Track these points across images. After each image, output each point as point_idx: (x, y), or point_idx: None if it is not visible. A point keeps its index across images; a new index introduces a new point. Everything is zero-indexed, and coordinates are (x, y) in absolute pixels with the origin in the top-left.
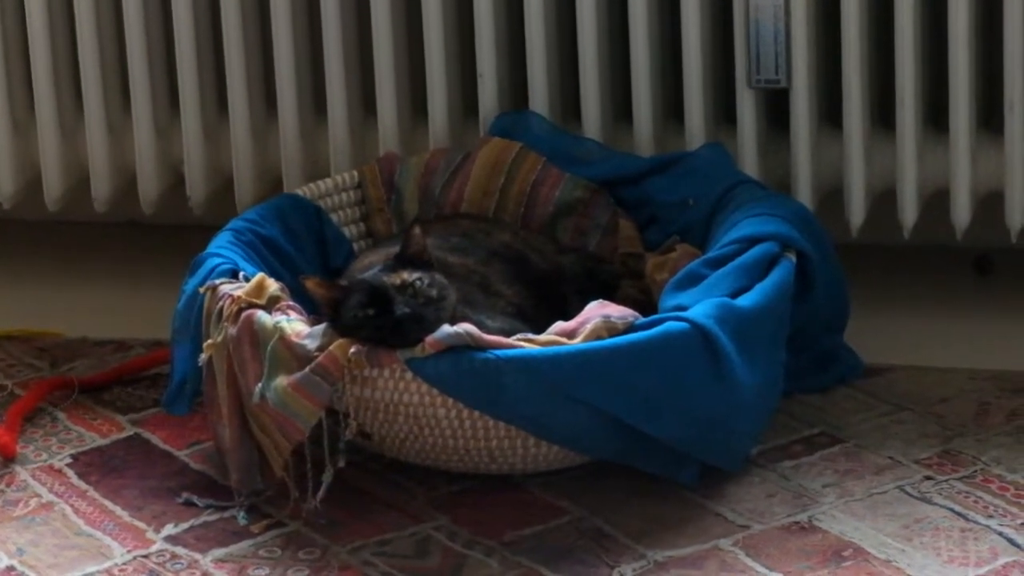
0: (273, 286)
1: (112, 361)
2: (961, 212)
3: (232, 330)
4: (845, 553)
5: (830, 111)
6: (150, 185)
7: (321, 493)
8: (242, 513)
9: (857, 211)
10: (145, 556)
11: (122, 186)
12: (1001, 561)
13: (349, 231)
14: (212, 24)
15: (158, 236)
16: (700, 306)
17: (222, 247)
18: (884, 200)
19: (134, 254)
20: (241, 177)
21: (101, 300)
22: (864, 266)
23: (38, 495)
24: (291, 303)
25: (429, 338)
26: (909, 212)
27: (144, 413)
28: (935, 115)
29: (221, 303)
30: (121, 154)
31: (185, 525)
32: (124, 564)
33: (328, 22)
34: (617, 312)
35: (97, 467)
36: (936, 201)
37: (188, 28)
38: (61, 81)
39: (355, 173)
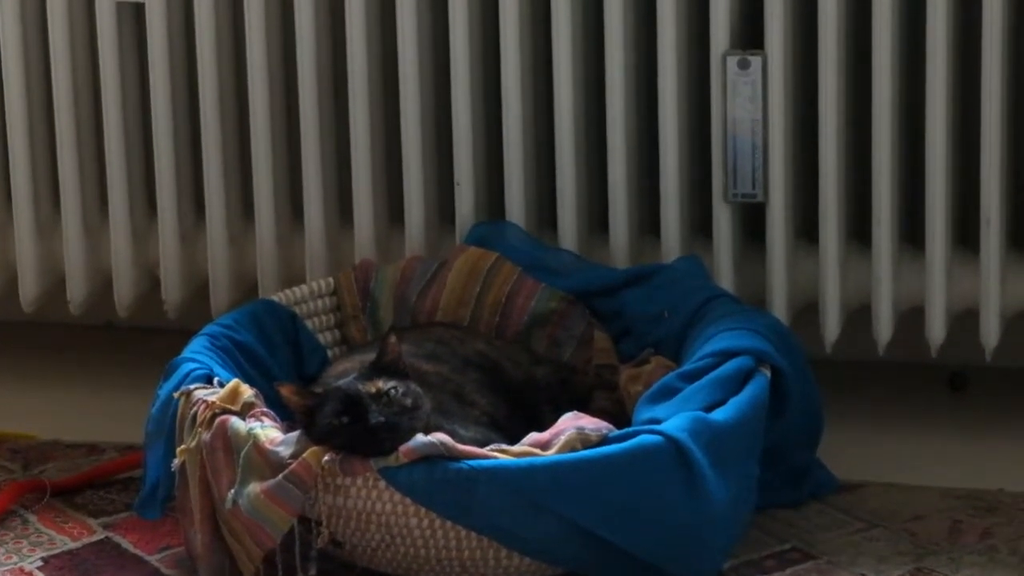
0: (247, 392)
1: (84, 464)
2: (936, 329)
3: (206, 436)
4: None
5: (806, 226)
6: (126, 288)
7: None
8: None
9: (832, 326)
10: None
11: (98, 288)
12: None
13: (324, 338)
14: (191, 128)
15: (134, 339)
16: (674, 420)
17: (197, 352)
18: (859, 316)
19: (109, 356)
20: (217, 282)
21: (75, 402)
22: (838, 381)
23: None
24: (265, 410)
25: (403, 447)
26: (884, 328)
27: (116, 517)
28: (911, 231)
29: (195, 408)
30: (97, 257)
31: None
32: None
33: (306, 129)
34: (591, 424)
35: (68, 570)
36: (911, 317)
37: (167, 132)
38: (39, 183)
39: (330, 280)
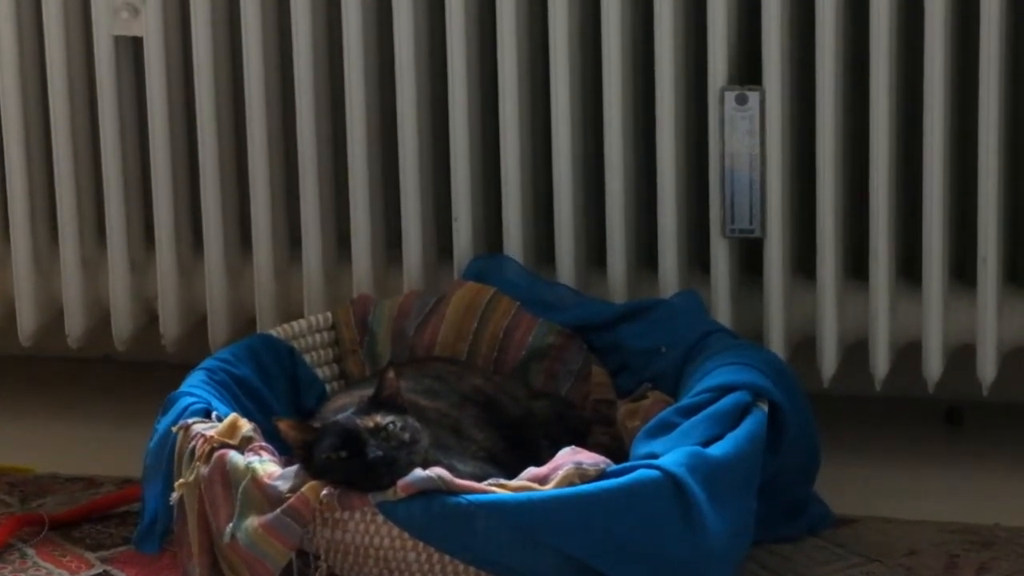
0: (246, 426)
1: (82, 498)
2: (933, 364)
3: (204, 470)
4: None
5: (803, 261)
6: (124, 322)
7: None
8: None
9: (829, 361)
10: None
11: (96, 322)
12: None
13: (322, 372)
14: (189, 162)
15: (132, 373)
16: (672, 454)
17: (195, 386)
18: (856, 350)
19: (107, 390)
20: (215, 316)
21: (73, 436)
22: (836, 416)
23: None
24: (263, 444)
25: (401, 482)
26: (881, 363)
27: (114, 551)
28: (908, 266)
29: (193, 443)
30: (95, 290)
31: None
32: None
33: (304, 164)
34: (589, 459)
35: None
36: (908, 352)
37: (165, 166)
38: (37, 216)
39: (328, 315)
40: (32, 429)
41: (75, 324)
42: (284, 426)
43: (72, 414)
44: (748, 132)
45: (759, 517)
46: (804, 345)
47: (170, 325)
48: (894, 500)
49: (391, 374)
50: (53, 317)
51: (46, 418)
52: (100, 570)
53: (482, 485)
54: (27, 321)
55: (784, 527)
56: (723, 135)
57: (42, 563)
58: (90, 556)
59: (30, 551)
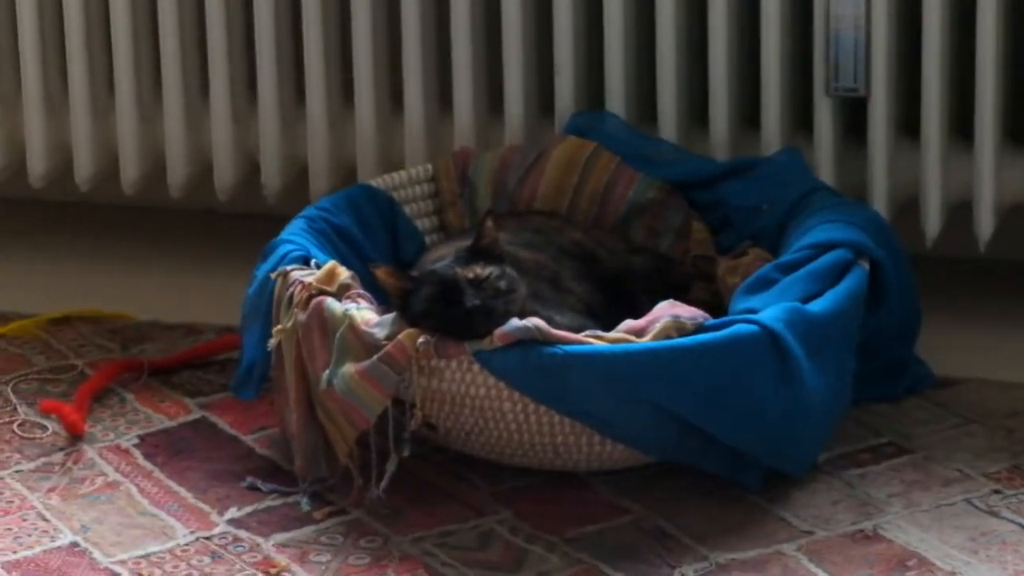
0: (344, 274)
1: (182, 345)
2: None
3: (302, 316)
4: (909, 563)
5: (908, 121)
6: (226, 173)
7: (384, 482)
8: (305, 499)
9: (933, 223)
10: (207, 538)
11: (198, 173)
12: None
13: (422, 224)
14: (291, 13)
15: (233, 224)
16: (770, 310)
17: (295, 234)
18: (961, 212)
19: (209, 241)
20: (316, 168)
21: (174, 285)
22: (939, 278)
23: (104, 474)
24: (361, 291)
25: (497, 331)
26: (985, 225)
27: (212, 397)
28: (1015, 127)
29: (292, 289)
30: (198, 141)
31: (248, 509)
32: (186, 545)
33: (407, 16)
34: (687, 312)
35: (163, 449)
36: (1013, 215)
37: (268, 17)
38: (141, 67)
39: (429, 167)
40: (134, 277)
41: (177, 174)
42: (382, 273)
43: (174, 264)
44: None
45: (859, 376)
46: (908, 207)
47: (271, 176)
48: (996, 363)
49: (490, 223)
50: (156, 167)
51: (148, 267)
52: (198, 415)
53: (578, 336)
54: (130, 170)
55: (884, 387)
56: None
57: (141, 407)
58: (188, 402)
59: (129, 396)
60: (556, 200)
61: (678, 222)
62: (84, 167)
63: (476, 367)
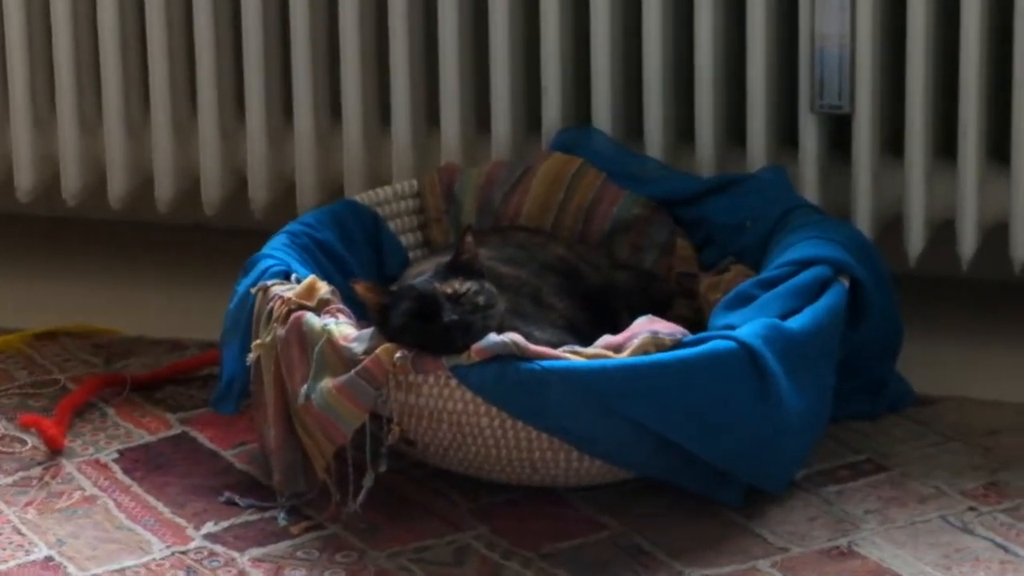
0: (323, 289)
1: (166, 360)
2: (1020, 246)
3: (281, 331)
4: None
5: (892, 139)
6: (214, 189)
7: (361, 497)
8: (282, 514)
9: (916, 241)
10: (183, 552)
11: (186, 188)
12: None
13: (406, 239)
14: (280, 29)
15: (221, 240)
16: (748, 326)
17: (276, 249)
18: (943, 231)
19: (197, 257)
20: (304, 184)
21: (162, 300)
22: (921, 296)
23: (82, 488)
24: (340, 306)
25: (475, 346)
26: (968, 244)
27: (193, 412)
28: (998, 146)
29: (271, 304)
30: (186, 157)
31: (225, 524)
32: (161, 560)
33: (395, 32)
34: (665, 328)
35: (143, 463)
36: (995, 234)
37: (256, 33)
38: (129, 83)
39: (414, 182)
40: (122, 293)
41: (165, 189)
42: (361, 288)
43: (161, 279)
44: (839, 8)
45: (840, 393)
46: (891, 224)
47: (259, 192)
48: (975, 381)
49: (469, 238)
50: (144, 182)
51: (136, 283)
52: (179, 431)
53: (556, 352)
54: (117, 185)
55: (864, 404)
56: (813, 11)
57: (122, 423)
58: (169, 416)
59: (110, 410)
60: (541, 216)
61: (662, 239)
62: (72, 182)
63: (454, 382)
